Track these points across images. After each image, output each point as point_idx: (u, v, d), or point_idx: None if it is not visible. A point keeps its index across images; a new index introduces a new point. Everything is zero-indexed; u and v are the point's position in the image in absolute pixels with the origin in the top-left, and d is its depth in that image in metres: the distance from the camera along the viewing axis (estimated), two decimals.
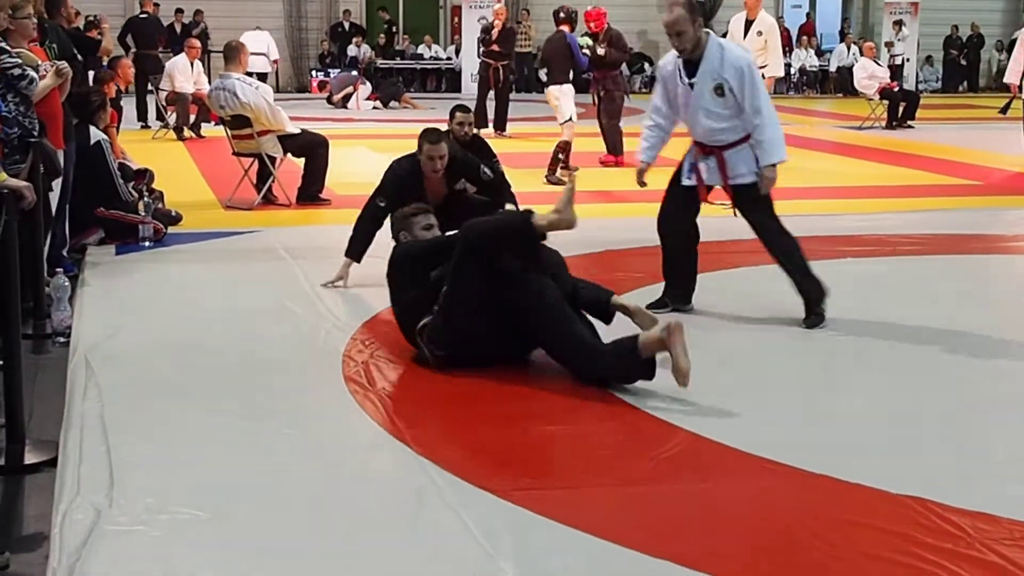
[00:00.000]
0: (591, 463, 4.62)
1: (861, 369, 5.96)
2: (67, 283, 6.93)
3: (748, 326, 6.69)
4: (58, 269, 7.05)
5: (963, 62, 32.07)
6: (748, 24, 12.46)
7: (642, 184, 6.85)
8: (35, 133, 6.74)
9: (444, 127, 8.82)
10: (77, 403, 5.15)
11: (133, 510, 3.98)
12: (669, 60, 6.70)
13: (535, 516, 4.00)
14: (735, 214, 6.74)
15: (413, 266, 5.90)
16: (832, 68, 29.85)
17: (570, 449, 4.82)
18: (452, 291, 5.60)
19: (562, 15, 14.27)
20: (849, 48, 29.32)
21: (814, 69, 30.44)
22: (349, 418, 5.06)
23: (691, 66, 6.52)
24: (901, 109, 19.76)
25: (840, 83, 29.00)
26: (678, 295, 6.91)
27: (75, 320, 6.60)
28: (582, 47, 13.89)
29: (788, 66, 26.99)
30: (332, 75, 25.84)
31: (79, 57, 9.24)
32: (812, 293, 6.58)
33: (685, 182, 6.71)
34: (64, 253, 7.96)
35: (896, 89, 20.30)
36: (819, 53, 30.95)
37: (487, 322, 5.59)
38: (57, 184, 7.38)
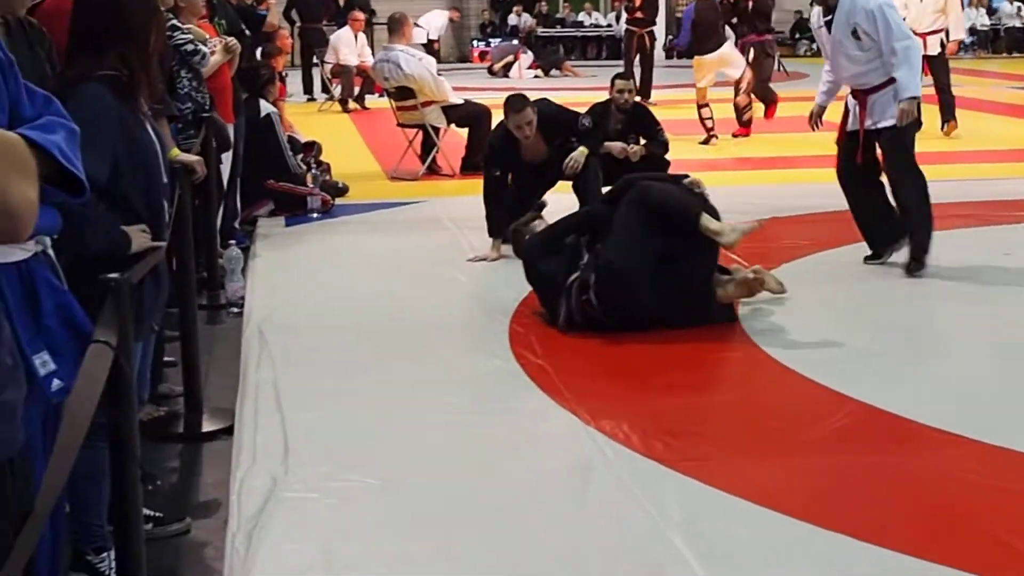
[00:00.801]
0: (760, 434, 4.57)
1: None
2: (239, 255, 7.12)
3: (934, 293, 6.54)
4: (231, 241, 7.25)
5: None
6: None
7: (815, 127, 7.19)
8: (207, 108, 6.90)
9: (605, 95, 8.79)
10: (251, 372, 5.28)
11: (308, 478, 4.07)
12: (815, 11, 6.94)
13: (704, 487, 3.97)
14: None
15: (547, 247, 6.09)
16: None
17: (738, 419, 4.78)
18: (618, 235, 5.75)
19: None
20: (1013, 3, 28.24)
21: (985, 29, 29.42)
22: (517, 387, 5.08)
23: (830, 13, 6.69)
24: None
25: (1011, 42, 27.97)
26: (878, 238, 6.97)
27: (247, 291, 6.76)
28: None
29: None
30: (493, 44, 25.90)
31: (247, 32, 9.43)
32: (923, 244, 6.64)
33: (849, 128, 6.86)
34: (236, 225, 8.15)
35: None
36: (990, 12, 29.90)
37: (646, 270, 5.68)
38: (226, 157, 7.54)
